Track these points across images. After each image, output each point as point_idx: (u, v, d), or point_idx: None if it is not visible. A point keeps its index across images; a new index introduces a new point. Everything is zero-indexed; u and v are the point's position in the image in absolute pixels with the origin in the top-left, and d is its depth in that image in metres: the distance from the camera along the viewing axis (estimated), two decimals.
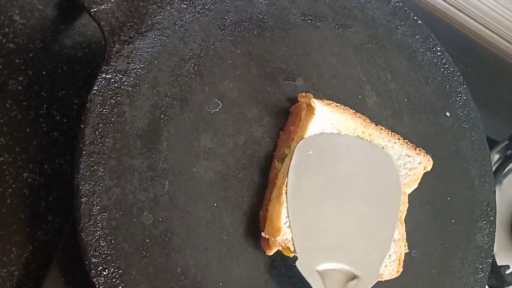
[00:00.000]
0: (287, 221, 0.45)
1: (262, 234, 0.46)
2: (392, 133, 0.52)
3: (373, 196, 0.48)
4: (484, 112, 0.64)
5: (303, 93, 0.50)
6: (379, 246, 0.47)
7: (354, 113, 0.51)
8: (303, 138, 0.47)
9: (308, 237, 0.44)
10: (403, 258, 0.50)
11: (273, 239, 0.45)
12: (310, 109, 0.48)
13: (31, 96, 0.51)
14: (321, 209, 0.46)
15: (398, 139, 0.52)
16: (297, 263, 0.43)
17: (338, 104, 0.50)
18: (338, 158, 0.48)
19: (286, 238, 0.45)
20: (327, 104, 0.49)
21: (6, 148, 0.49)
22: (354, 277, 0.44)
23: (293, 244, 0.44)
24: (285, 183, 0.45)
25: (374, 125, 0.51)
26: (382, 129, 0.51)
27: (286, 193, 0.45)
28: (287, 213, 0.44)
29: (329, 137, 0.48)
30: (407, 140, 0.52)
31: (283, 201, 0.45)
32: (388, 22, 0.60)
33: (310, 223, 0.45)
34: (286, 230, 0.44)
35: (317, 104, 0.48)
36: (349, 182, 0.47)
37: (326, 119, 0.49)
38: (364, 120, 0.51)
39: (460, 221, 0.57)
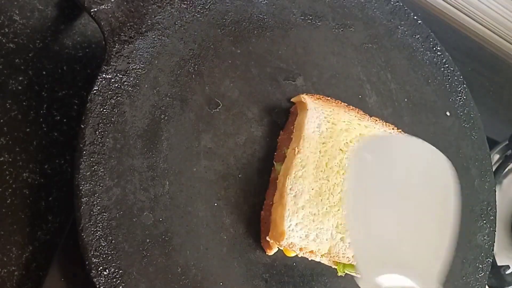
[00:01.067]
0: (291, 225, 0.45)
1: (267, 238, 0.45)
2: (387, 123, 0.52)
3: (429, 202, 0.46)
4: (484, 112, 0.64)
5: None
6: (436, 256, 0.45)
7: (346, 105, 0.51)
8: (301, 137, 0.47)
9: (368, 250, 0.43)
10: None
11: (278, 243, 0.45)
12: (303, 105, 0.49)
13: (31, 96, 0.51)
14: (380, 219, 0.44)
15: (393, 129, 0.52)
16: (358, 280, 0.42)
17: (329, 98, 0.50)
18: (395, 161, 0.46)
19: (291, 242, 0.45)
20: (318, 98, 0.49)
21: (6, 148, 0.49)
22: None
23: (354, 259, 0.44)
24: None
25: (369, 116, 0.51)
26: (376, 120, 0.51)
27: (345, 203, 0.45)
28: (347, 225, 0.44)
29: (384, 139, 0.48)
30: (401, 130, 0.52)
31: (285, 204, 0.45)
32: (388, 22, 0.60)
33: (369, 233, 0.43)
34: (290, 234, 0.44)
35: (307, 99, 0.49)
36: (407, 190, 0.45)
37: (320, 113, 0.49)
38: (357, 112, 0.51)
39: (461, 221, 0.57)
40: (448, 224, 0.45)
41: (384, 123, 0.52)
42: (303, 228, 0.45)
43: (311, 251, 0.45)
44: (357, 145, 0.47)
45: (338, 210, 0.47)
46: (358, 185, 0.44)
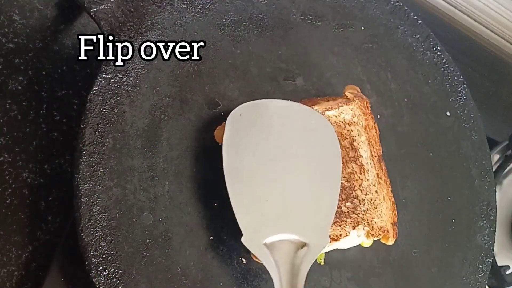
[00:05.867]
0: None
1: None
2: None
3: (313, 160, 0.46)
4: (484, 112, 0.64)
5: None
6: (324, 211, 0.44)
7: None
8: None
9: (250, 211, 0.42)
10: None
11: None
12: None
13: (31, 96, 0.51)
14: (261, 180, 0.44)
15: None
16: (243, 240, 0.41)
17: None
18: (273, 124, 0.46)
19: None
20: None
21: (6, 148, 0.49)
22: (303, 245, 0.42)
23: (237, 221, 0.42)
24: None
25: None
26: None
27: (223, 169, 0.43)
28: (228, 191, 0.42)
29: (259, 104, 0.47)
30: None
31: None
32: (388, 22, 0.60)
33: (251, 197, 0.43)
34: None
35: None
36: (287, 149, 0.45)
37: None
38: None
39: (461, 221, 0.57)
40: (334, 179, 0.46)
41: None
42: None
43: None
44: (231, 114, 0.45)
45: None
46: (236, 151, 0.44)
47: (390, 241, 0.48)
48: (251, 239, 0.41)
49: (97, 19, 0.45)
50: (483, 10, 0.84)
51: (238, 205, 0.42)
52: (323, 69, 0.55)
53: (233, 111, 0.45)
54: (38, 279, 0.46)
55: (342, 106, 0.49)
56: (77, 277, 0.45)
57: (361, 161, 0.49)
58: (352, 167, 0.48)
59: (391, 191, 0.50)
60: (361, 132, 0.49)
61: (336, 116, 0.48)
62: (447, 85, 0.62)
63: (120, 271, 0.41)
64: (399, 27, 0.61)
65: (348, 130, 0.49)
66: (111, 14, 0.46)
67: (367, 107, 0.50)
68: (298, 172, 0.45)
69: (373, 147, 0.50)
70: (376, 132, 0.51)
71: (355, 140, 0.49)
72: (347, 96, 0.49)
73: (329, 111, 0.48)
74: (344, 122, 0.49)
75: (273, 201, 0.43)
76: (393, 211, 0.49)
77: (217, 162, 0.47)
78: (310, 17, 0.56)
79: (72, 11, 0.55)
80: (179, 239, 0.44)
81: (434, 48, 0.62)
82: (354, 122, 0.49)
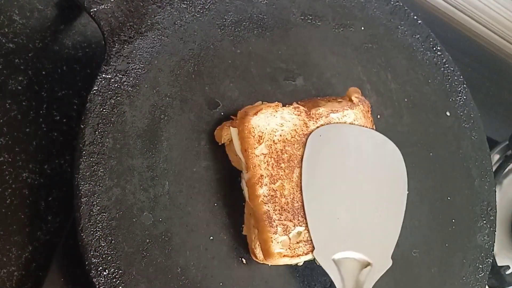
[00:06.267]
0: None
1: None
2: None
3: (381, 184, 0.49)
4: (484, 112, 0.64)
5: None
6: (389, 234, 0.48)
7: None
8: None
9: (323, 227, 0.45)
10: None
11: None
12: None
13: (31, 96, 0.51)
14: (334, 199, 0.47)
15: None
16: (315, 253, 0.44)
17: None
18: (348, 147, 0.49)
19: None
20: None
21: (6, 148, 0.49)
22: (367, 264, 0.46)
23: (309, 235, 0.45)
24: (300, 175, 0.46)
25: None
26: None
27: (301, 184, 0.45)
28: (303, 205, 0.45)
29: (338, 127, 0.49)
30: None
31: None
32: (388, 22, 0.60)
33: (325, 213, 0.46)
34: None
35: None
36: (359, 171, 0.48)
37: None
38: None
39: (461, 221, 0.57)
40: (399, 204, 0.49)
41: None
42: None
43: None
44: (312, 134, 0.47)
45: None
46: (315, 170, 0.46)
47: None
48: (322, 253, 0.44)
49: (97, 19, 0.45)
50: (483, 10, 0.84)
51: (313, 220, 0.45)
52: (323, 69, 0.55)
53: (314, 132, 0.47)
54: (38, 279, 0.46)
55: (347, 110, 0.49)
56: (77, 277, 0.45)
57: None
58: None
59: None
60: None
61: (339, 118, 0.49)
62: (447, 85, 0.62)
63: (120, 271, 0.41)
64: (399, 27, 0.61)
65: None
66: (111, 14, 0.46)
67: (368, 111, 0.50)
68: (368, 194, 0.48)
69: None
70: None
71: None
72: (352, 101, 0.50)
73: (334, 113, 0.49)
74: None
75: (344, 220, 0.46)
76: None
77: (217, 162, 0.47)
78: (310, 17, 0.56)
79: (72, 11, 0.55)
80: (179, 239, 0.44)
81: (434, 48, 0.62)
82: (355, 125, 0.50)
